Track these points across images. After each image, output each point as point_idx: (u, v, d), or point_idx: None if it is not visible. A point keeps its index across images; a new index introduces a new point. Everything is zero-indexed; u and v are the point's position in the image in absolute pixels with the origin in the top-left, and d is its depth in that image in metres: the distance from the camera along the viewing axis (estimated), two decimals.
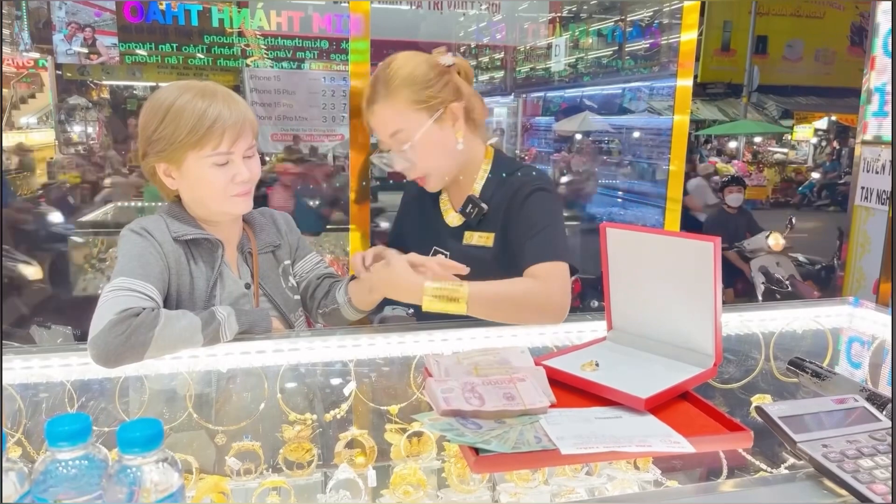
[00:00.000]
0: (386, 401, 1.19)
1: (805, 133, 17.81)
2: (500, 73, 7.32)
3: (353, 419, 1.18)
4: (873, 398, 0.96)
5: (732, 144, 17.74)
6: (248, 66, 3.94)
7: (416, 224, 1.68)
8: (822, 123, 18.05)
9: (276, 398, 1.19)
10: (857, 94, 3.19)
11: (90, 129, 4.65)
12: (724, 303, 1.04)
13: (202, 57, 3.80)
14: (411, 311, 1.72)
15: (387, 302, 1.48)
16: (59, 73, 4.23)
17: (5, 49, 4.05)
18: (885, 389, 1.09)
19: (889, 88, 3.02)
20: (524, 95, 8.67)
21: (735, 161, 16.04)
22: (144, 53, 3.78)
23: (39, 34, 4.05)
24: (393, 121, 1.45)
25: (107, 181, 4.37)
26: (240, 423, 1.16)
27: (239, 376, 1.28)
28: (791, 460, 1.03)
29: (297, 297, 1.54)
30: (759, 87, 17.82)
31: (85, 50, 3.71)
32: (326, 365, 1.30)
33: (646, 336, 1.16)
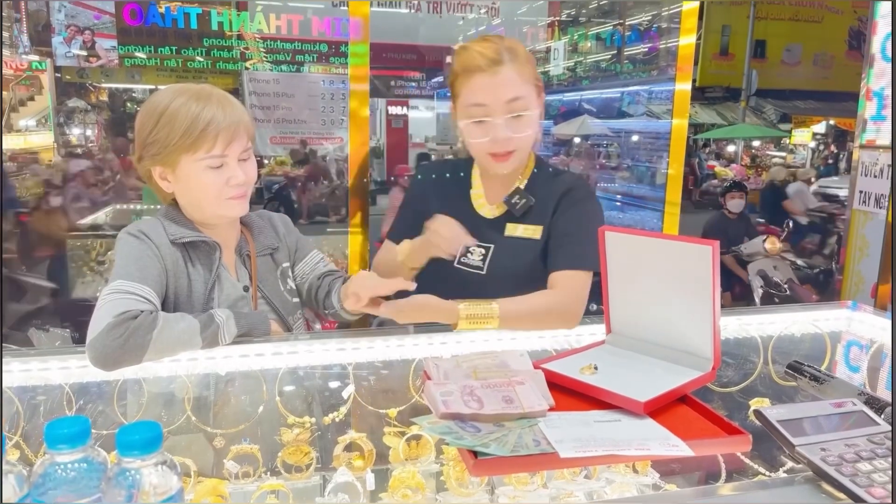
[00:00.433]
0: (385, 404, 1.19)
1: (803, 137, 17.83)
2: None
3: (351, 422, 1.18)
4: (872, 402, 0.96)
5: (731, 148, 17.77)
6: (247, 69, 3.94)
7: (439, 212, 1.61)
8: (820, 127, 18.08)
9: (275, 401, 1.19)
10: (855, 98, 3.19)
11: (89, 132, 4.65)
12: (722, 306, 1.04)
13: (201, 60, 3.80)
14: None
15: None
16: (59, 75, 4.22)
17: (4, 52, 4.04)
18: (883, 393, 1.09)
19: (888, 92, 3.03)
20: None
21: (733, 165, 16.06)
22: (144, 56, 3.78)
23: (39, 37, 4.04)
24: (519, 86, 1.45)
25: (106, 183, 4.37)
26: (238, 426, 1.16)
27: (237, 379, 1.28)
28: (789, 464, 1.03)
29: (296, 299, 1.53)
30: (758, 91, 17.86)
31: (84, 53, 3.71)
32: (325, 368, 1.30)
33: (644, 339, 1.16)
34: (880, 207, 3.04)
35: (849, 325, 1.56)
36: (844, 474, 0.77)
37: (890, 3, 3.00)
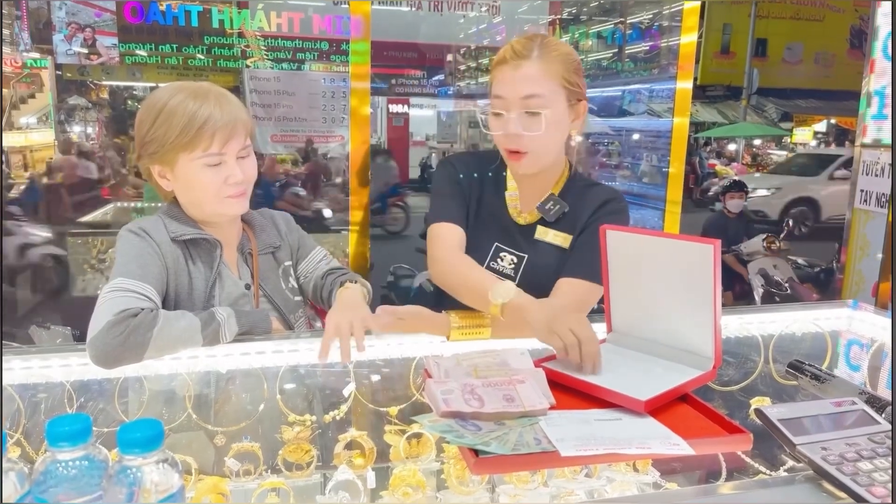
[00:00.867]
0: (385, 402, 1.19)
1: (804, 136, 17.82)
2: None
3: (352, 420, 1.18)
4: (872, 401, 0.96)
5: (732, 147, 17.76)
6: (248, 66, 3.93)
7: (473, 208, 1.57)
8: (821, 126, 18.07)
9: (276, 399, 1.19)
10: (856, 97, 3.19)
11: (90, 130, 4.65)
12: (723, 305, 1.04)
13: (202, 58, 3.79)
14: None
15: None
16: (59, 73, 4.22)
17: (6, 49, 4.04)
18: (884, 392, 1.09)
19: (889, 91, 3.02)
20: None
21: (734, 163, 16.05)
22: (144, 54, 3.77)
23: (40, 34, 4.04)
24: (537, 83, 1.40)
25: (106, 181, 4.37)
26: (239, 424, 1.16)
27: (238, 377, 1.28)
28: (790, 463, 1.03)
29: (298, 298, 1.53)
30: (759, 89, 17.84)
31: (85, 50, 3.70)
32: (326, 366, 1.30)
33: (645, 338, 1.16)
34: (881, 207, 3.04)
35: (849, 324, 1.56)
36: (845, 473, 0.77)
37: (890, 3, 2.99)
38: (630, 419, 0.95)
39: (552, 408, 0.96)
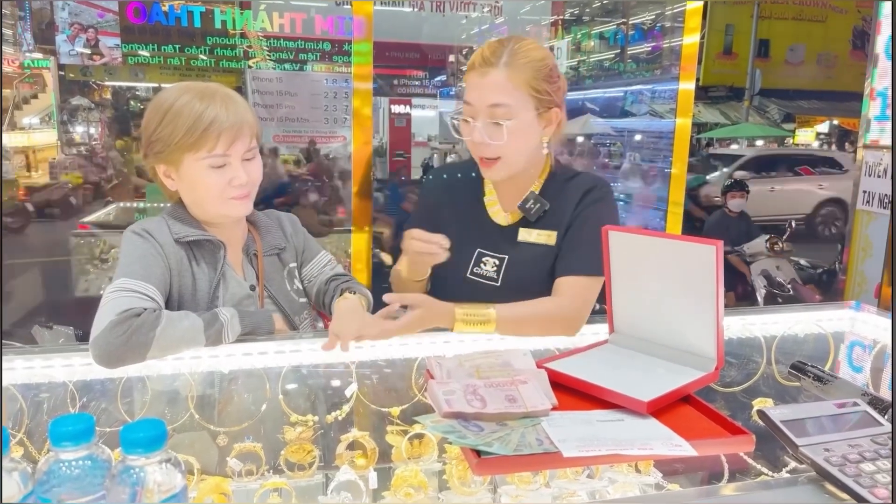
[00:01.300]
0: (387, 402, 1.19)
1: (807, 137, 17.79)
2: None
3: (354, 421, 1.18)
4: (875, 402, 0.96)
5: (734, 147, 17.73)
6: (250, 67, 3.94)
7: (451, 221, 1.57)
8: (823, 127, 18.05)
9: (278, 399, 1.19)
10: (859, 98, 3.19)
11: (92, 130, 4.65)
12: (725, 306, 1.04)
13: (205, 58, 3.80)
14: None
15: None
16: (62, 73, 4.23)
17: (9, 49, 4.05)
18: (886, 393, 1.09)
19: (890, 92, 3.02)
20: None
21: None
22: (147, 54, 3.78)
23: (42, 35, 4.05)
24: (504, 92, 1.38)
25: (109, 182, 4.38)
26: (241, 424, 1.16)
27: (241, 377, 1.28)
28: (793, 464, 1.03)
29: (303, 299, 1.53)
30: (761, 90, 17.81)
31: (88, 51, 3.71)
32: (328, 366, 1.30)
33: (647, 339, 1.16)
34: (884, 208, 3.04)
35: (852, 325, 1.56)
36: (848, 475, 0.77)
37: (890, 3, 2.99)
38: (632, 420, 0.95)
39: (554, 408, 0.96)
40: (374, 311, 1.51)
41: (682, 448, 0.86)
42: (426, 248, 1.33)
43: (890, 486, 0.75)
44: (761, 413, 0.90)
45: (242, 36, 3.81)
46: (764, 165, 11.31)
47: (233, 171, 1.32)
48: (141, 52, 3.78)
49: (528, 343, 1.35)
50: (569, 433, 0.88)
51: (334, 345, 1.24)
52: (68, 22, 3.69)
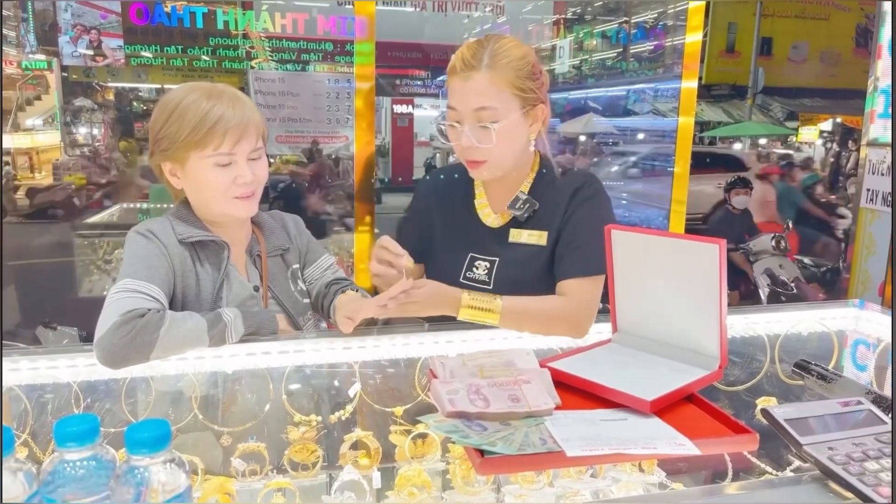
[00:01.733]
0: (391, 402, 1.20)
1: (810, 135, 17.75)
2: None
3: (357, 421, 1.18)
4: (879, 401, 0.96)
5: (737, 146, 17.70)
6: (252, 68, 3.94)
7: (443, 226, 1.58)
8: (827, 125, 18.00)
9: (282, 399, 1.19)
10: (862, 96, 3.18)
11: (95, 131, 4.66)
12: (728, 305, 1.04)
13: (207, 59, 3.81)
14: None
15: None
16: (65, 75, 4.24)
17: (12, 51, 4.07)
18: (890, 392, 1.09)
19: (891, 91, 3.01)
20: None
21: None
22: (150, 55, 3.79)
23: (45, 36, 4.06)
24: (487, 95, 1.37)
25: (112, 183, 4.39)
26: (245, 424, 1.17)
27: (244, 378, 1.28)
28: (796, 463, 1.03)
29: (307, 300, 1.53)
30: (764, 88, 17.77)
31: (90, 52, 3.72)
32: (332, 366, 1.31)
33: (651, 338, 1.16)
34: (887, 206, 3.03)
35: (856, 323, 1.56)
36: (852, 473, 0.77)
37: (891, 2, 2.98)
38: (636, 419, 0.95)
39: (558, 408, 0.96)
40: None
41: (685, 447, 0.86)
42: (383, 271, 1.29)
43: (892, 485, 0.75)
44: (765, 412, 0.90)
45: (245, 36, 3.81)
46: None
47: (238, 170, 1.32)
48: (144, 53, 3.79)
49: (531, 342, 1.35)
50: (572, 432, 0.88)
51: (350, 327, 1.28)
52: (71, 23, 3.70)
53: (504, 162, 1.44)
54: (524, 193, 1.50)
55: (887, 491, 0.74)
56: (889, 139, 3.04)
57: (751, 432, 0.90)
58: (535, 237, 1.48)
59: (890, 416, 0.91)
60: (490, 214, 1.54)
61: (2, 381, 1.07)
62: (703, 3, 3.27)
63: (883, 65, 3.04)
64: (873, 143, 3.10)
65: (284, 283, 1.48)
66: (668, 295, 1.10)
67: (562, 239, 1.46)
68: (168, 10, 3.62)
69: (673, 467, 1.14)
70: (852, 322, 1.56)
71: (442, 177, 1.68)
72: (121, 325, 1.15)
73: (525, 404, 0.93)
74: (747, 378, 1.35)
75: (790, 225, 5.39)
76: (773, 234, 5.17)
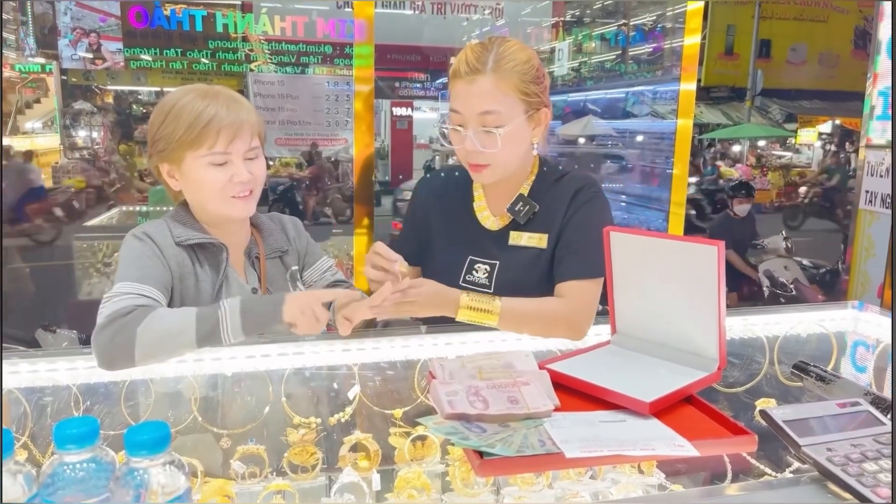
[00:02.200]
0: (390, 404, 1.20)
1: (809, 137, 17.77)
2: None
3: (357, 423, 1.18)
4: (877, 402, 0.96)
5: (736, 148, 17.72)
6: (251, 70, 3.95)
7: (441, 229, 1.57)
8: (826, 127, 18.03)
9: (281, 402, 1.19)
10: (861, 98, 3.18)
11: (95, 134, 4.67)
12: (728, 307, 1.04)
13: (206, 62, 3.82)
14: None
15: None
16: (64, 78, 4.25)
17: (12, 54, 4.07)
18: (889, 393, 1.09)
19: (890, 92, 3.01)
20: None
21: (739, 165, 16.01)
22: (149, 59, 3.80)
23: (45, 39, 4.07)
24: (492, 99, 1.35)
25: (112, 185, 4.40)
26: (245, 426, 1.17)
27: (244, 380, 1.28)
28: (795, 464, 1.03)
29: None
30: (763, 90, 17.80)
31: (90, 55, 3.73)
32: (331, 368, 1.31)
33: (650, 340, 1.16)
34: (886, 207, 3.03)
35: (855, 325, 1.56)
36: (850, 474, 0.77)
37: (890, 2, 2.99)
38: (635, 421, 0.95)
39: (557, 409, 0.96)
40: None
41: (684, 448, 0.86)
42: (378, 276, 1.27)
43: (892, 486, 0.75)
44: (764, 413, 0.90)
45: (244, 39, 3.82)
46: None
47: (234, 169, 1.32)
48: (143, 56, 3.80)
49: (530, 344, 1.35)
50: (571, 434, 0.88)
51: (349, 329, 1.25)
52: (70, 26, 3.71)
53: (507, 166, 1.44)
54: (524, 196, 1.50)
55: (885, 492, 0.74)
56: (886, 140, 3.05)
57: (749, 433, 0.91)
58: (535, 240, 1.48)
59: (888, 417, 0.91)
60: (489, 217, 1.53)
61: (1, 383, 1.07)
62: (702, 5, 3.28)
63: (882, 66, 3.05)
64: (871, 145, 3.11)
65: (283, 285, 1.48)
66: (666, 297, 1.11)
67: (561, 241, 1.46)
68: (167, 13, 3.63)
69: (672, 469, 1.14)
70: (851, 324, 1.57)
71: (440, 178, 1.67)
72: (104, 326, 1.16)
73: (524, 406, 0.93)
74: (746, 379, 1.35)
75: (784, 232, 5.42)
76: (784, 235, 5.17)
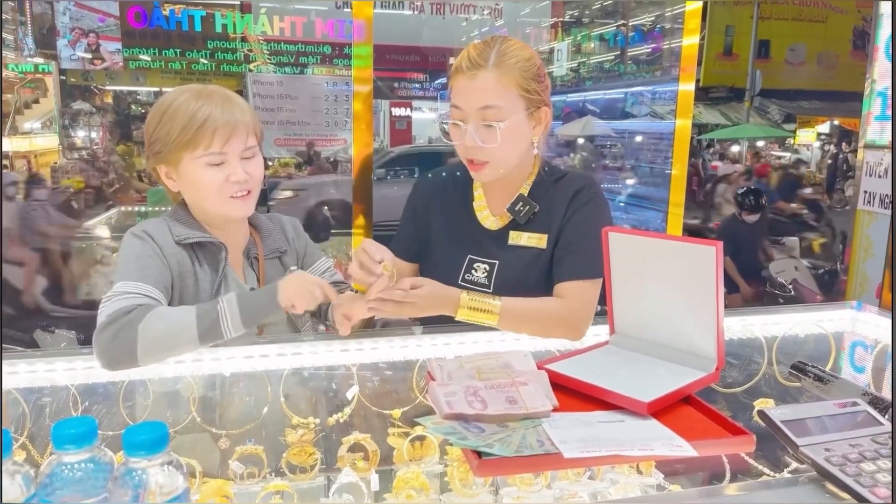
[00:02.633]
0: (389, 405, 1.20)
1: (808, 137, 17.79)
2: None
3: (355, 423, 1.18)
4: (876, 402, 0.96)
5: (735, 148, 17.73)
6: (250, 71, 3.95)
7: (440, 227, 1.57)
8: (824, 127, 18.05)
9: (280, 402, 1.19)
10: (859, 98, 3.18)
11: (94, 135, 4.67)
12: (727, 307, 1.05)
13: (205, 62, 3.82)
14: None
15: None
16: (63, 78, 4.25)
17: (11, 54, 4.07)
18: (887, 393, 1.09)
19: (889, 92, 3.02)
20: None
21: (737, 165, 16.02)
22: (148, 59, 3.80)
23: (44, 39, 4.07)
24: (494, 94, 1.36)
25: (111, 186, 4.39)
26: (243, 426, 1.17)
27: (242, 380, 1.28)
28: (794, 464, 1.03)
29: None
30: (762, 91, 17.81)
31: (89, 55, 3.73)
32: (329, 369, 1.31)
33: (648, 340, 1.16)
34: (884, 208, 3.04)
35: (853, 325, 1.56)
36: (848, 474, 0.77)
37: (890, 2, 2.99)
38: (633, 421, 0.95)
39: (555, 410, 0.96)
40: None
41: (682, 449, 0.86)
42: (361, 276, 1.26)
43: (890, 486, 0.75)
44: (762, 413, 0.90)
45: (243, 40, 3.82)
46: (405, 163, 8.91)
47: (230, 169, 1.32)
48: (142, 57, 3.80)
49: (528, 344, 1.35)
50: (569, 434, 0.88)
51: (348, 328, 1.25)
52: (69, 27, 3.71)
53: (506, 163, 1.44)
54: (524, 196, 1.50)
55: (883, 492, 0.74)
56: (886, 141, 3.05)
57: (748, 434, 0.91)
58: (534, 240, 1.48)
59: (887, 417, 0.91)
60: (489, 216, 1.53)
61: (1, 383, 1.07)
62: (700, 5, 3.28)
63: (881, 67, 3.05)
64: (870, 146, 3.11)
65: None
66: (665, 297, 1.11)
67: (560, 241, 1.46)
68: (166, 13, 3.63)
69: (670, 469, 1.14)
70: (850, 324, 1.57)
71: (440, 176, 1.67)
72: (105, 326, 1.16)
73: (522, 406, 0.93)
74: (744, 380, 1.36)
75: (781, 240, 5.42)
76: (798, 237, 5.16)
